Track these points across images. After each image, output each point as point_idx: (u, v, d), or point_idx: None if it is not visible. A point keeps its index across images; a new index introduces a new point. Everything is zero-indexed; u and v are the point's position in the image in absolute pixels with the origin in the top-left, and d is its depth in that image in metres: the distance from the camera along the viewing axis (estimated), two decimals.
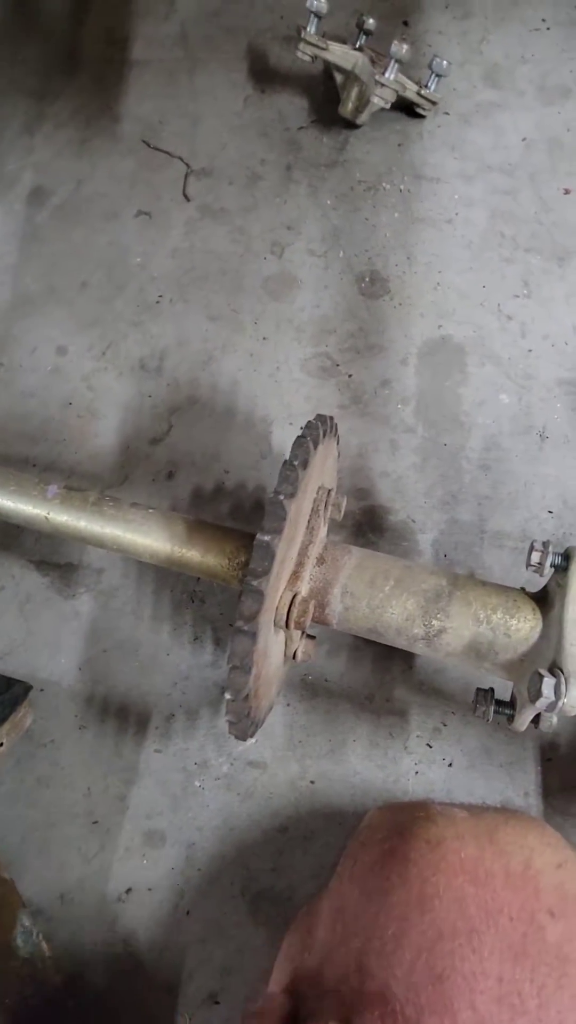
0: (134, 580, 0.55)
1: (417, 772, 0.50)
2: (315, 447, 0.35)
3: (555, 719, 0.36)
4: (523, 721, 0.36)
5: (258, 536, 0.30)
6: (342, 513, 0.40)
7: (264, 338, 0.63)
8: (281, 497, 0.31)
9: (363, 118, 0.67)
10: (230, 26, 0.75)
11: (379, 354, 0.62)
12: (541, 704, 0.31)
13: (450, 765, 0.50)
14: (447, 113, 0.70)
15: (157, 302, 0.65)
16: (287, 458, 0.33)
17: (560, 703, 0.30)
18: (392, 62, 0.60)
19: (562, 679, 0.31)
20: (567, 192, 0.66)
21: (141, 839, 0.49)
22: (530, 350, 0.61)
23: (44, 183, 0.71)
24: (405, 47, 0.58)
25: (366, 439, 0.59)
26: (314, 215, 0.67)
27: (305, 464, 0.33)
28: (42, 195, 0.70)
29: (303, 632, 0.42)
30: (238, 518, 0.58)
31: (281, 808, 0.49)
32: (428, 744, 0.50)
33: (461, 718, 0.51)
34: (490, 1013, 0.25)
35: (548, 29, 0.73)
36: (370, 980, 0.28)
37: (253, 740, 0.51)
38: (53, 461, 0.61)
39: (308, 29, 0.62)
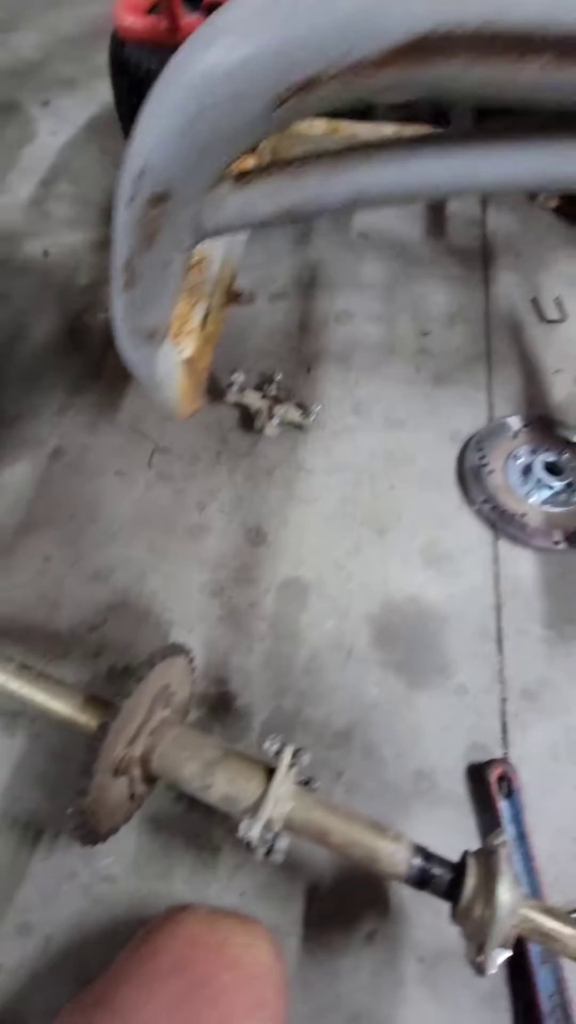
0: (55, 727, 0.81)
1: (219, 898, 0.70)
2: (152, 667, 0.63)
3: (280, 855, 0.59)
4: (258, 855, 0.59)
5: (100, 719, 0.57)
6: (170, 706, 0.67)
7: (179, 565, 0.95)
8: (120, 699, 0.58)
9: (269, 431, 1.06)
10: None
11: (252, 584, 0.93)
12: (241, 835, 0.55)
13: (242, 894, 0.70)
14: (324, 429, 1.10)
15: (116, 533, 0.99)
16: (133, 675, 0.61)
17: (248, 835, 0.55)
18: (277, 414, 1.00)
19: (251, 820, 0.55)
20: (392, 488, 1.03)
21: (14, 929, 0.68)
22: (351, 592, 0.91)
23: (62, 446, 1.10)
24: (285, 409, 0.99)
25: (233, 643, 0.87)
26: (228, 487, 1.03)
27: (140, 679, 0.61)
28: (60, 454, 1.09)
29: (144, 780, 0.67)
30: None
31: (119, 915, 0.69)
32: (230, 876, 0.71)
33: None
34: (155, 1013, 0.46)
35: (396, 383, 1.16)
36: (102, 995, 0.49)
37: (110, 859, 0.72)
38: (24, 635, 0.89)
39: (233, 388, 1.04)
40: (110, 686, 0.84)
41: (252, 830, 0.55)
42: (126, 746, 0.62)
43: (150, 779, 0.67)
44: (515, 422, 1.07)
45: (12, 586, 0.94)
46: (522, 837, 0.69)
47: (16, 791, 0.77)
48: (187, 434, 1.10)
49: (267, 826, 0.56)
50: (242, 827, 0.55)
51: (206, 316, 0.61)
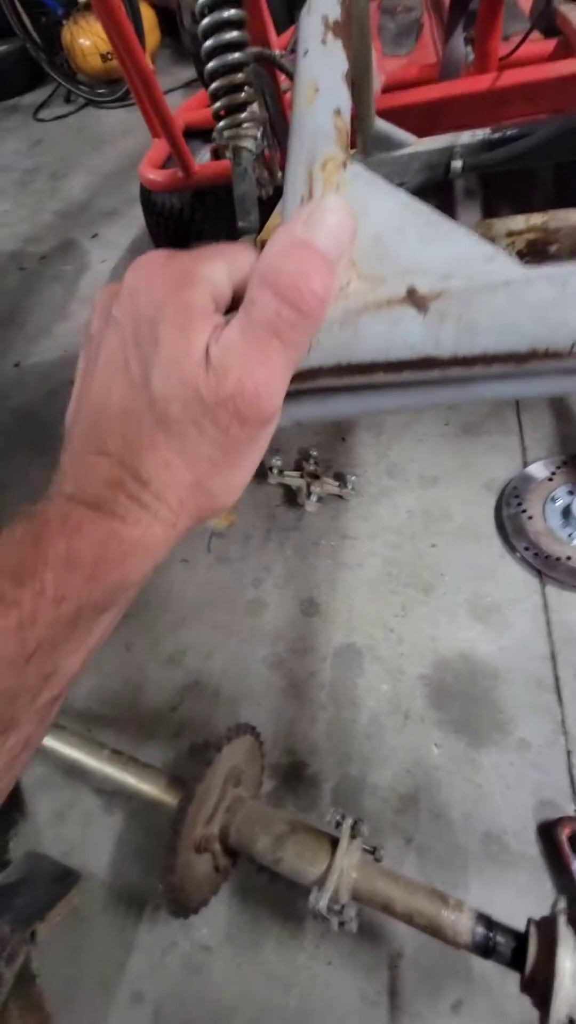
0: (148, 805, 0.90)
1: (308, 967, 0.74)
2: (220, 751, 0.71)
3: (353, 925, 0.63)
4: (333, 925, 0.64)
5: (178, 802, 0.66)
6: (242, 783, 0.75)
7: (242, 641, 1.04)
8: (193, 783, 0.67)
9: (309, 508, 1.15)
10: None
11: (309, 654, 0.99)
12: (311, 907, 0.60)
13: (329, 963, 0.74)
14: (363, 495, 1.17)
15: (185, 617, 1.10)
16: (206, 759, 0.69)
17: (317, 907, 0.60)
18: (315, 491, 1.09)
19: (318, 893, 0.60)
20: (433, 546, 1.07)
21: (129, 997, 0.76)
22: (402, 654, 0.96)
23: None
24: (322, 484, 1.07)
25: (297, 713, 0.94)
26: (279, 561, 1.12)
27: (209, 763, 0.69)
28: None
29: (225, 854, 0.74)
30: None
31: (217, 983, 0.75)
32: (316, 945, 0.75)
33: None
34: None
35: (426, 440, 1.21)
36: None
37: (205, 930, 0.79)
38: (115, 719, 1.01)
39: (273, 471, 1.14)
40: (191, 763, 0.93)
41: (320, 902, 0.60)
42: (205, 825, 0.70)
43: (231, 853, 0.74)
44: (549, 464, 1.08)
45: (102, 674, 1.07)
46: None
47: (118, 866, 0.86)
48: (239, 516, 1.21)
49: (334, 897, 0.61)
50: (311, 899, 0.61)
51: None
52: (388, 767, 0.86)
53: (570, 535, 0.99)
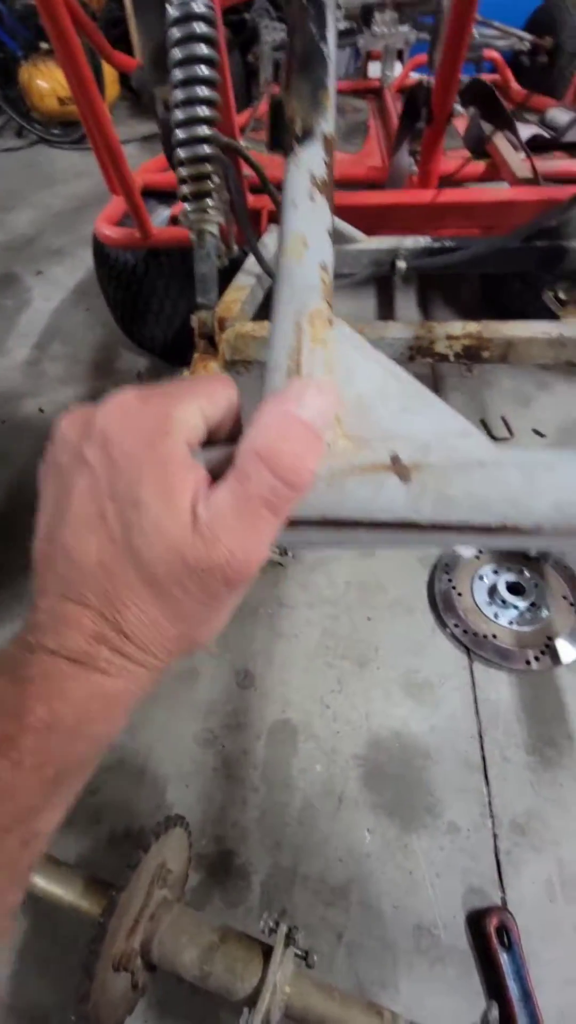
0: (57, 908, 0.81)
1: None
2: (147, 850, 0.66)
3: None
4: None
5: (98, 916, 0.60)
6: (168, 883, 0.70)
7: (172, 714, 0.99)
8: (113, 892, 0.61)
9: None
10: None
11: (243, 730, 0.96)
12: None
13: None
14: (301, 563, 1.18)
15: None
16: (131, 862, 0.64)
17: None
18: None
19: (250, 1014, 0.56)
20: (369, 619, 1.09)
21: None
22: (338, 731, 0.95)
23: None
24: None
25: (228, 796, 0.90)
26: None
27: (135, 866, 0.64)
28: None
29: (146, 968, 0.67)
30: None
31: None
32: None
33: None
34: None
35: None
36: None
37: None
38: None
39: None
40: (111, 852, 0.85)
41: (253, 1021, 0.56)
42: (126, 939, 0.64)
43: (152, 967, 0.68)
44: None
45: None
46: (527, 996, 0.69)
47: (21, 978, 0.77)
48: None
49: (265, 1018, 0.57)
50: (242, 1019, 0.56)
51: None
52: (320, 856, 0.83)
53: (496, 614, 1.05)
